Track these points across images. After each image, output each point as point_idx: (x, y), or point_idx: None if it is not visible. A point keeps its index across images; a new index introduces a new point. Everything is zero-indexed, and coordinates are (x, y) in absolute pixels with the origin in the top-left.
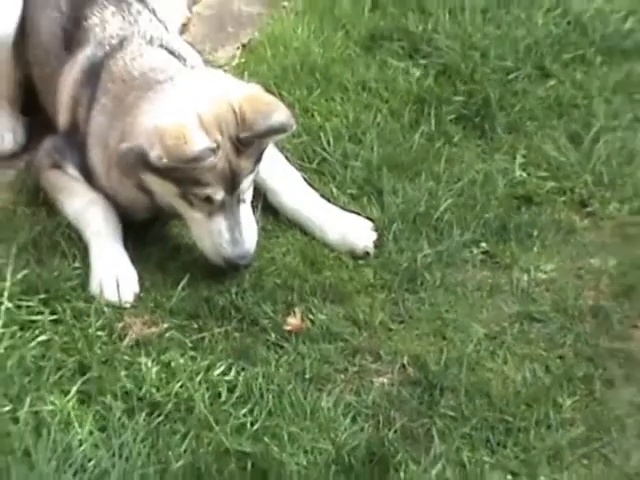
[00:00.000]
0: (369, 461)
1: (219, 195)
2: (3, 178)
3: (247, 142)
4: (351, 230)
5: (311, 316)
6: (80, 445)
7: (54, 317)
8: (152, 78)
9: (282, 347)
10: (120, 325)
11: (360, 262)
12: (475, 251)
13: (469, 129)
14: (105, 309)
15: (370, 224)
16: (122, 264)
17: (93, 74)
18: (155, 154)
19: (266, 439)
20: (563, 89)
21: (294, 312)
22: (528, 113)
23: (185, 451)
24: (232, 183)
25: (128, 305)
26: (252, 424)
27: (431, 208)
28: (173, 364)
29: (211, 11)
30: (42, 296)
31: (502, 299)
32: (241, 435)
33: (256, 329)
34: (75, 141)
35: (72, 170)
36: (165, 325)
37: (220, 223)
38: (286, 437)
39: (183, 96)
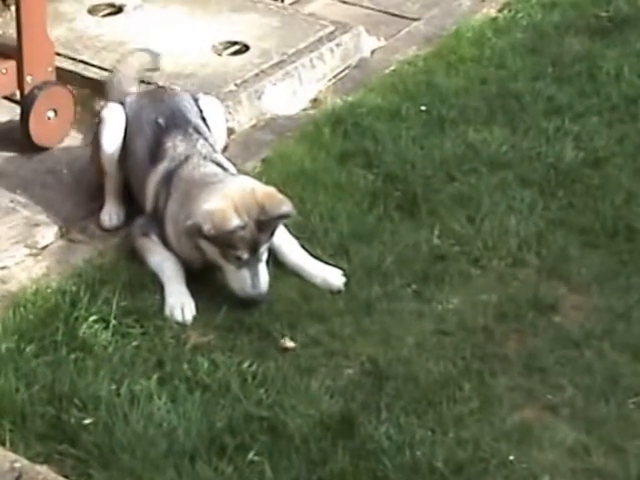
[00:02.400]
0: (341, 422)
1: (245, 256)
2: (112, 242)
3: (264, 223)
4: (329, 275)
5: (305, 331)
6: (159, 411)
7: (142, 330)
8: (207, 180)
9: (286, 350)
10: (184, 336)
11: (335, 296)
12: (408, 290)
13: (404, 213)
14: (174, 325)
15: (340, 272)
16: (185, 297)
17: (169, 178)
18: (207, 227)
19: (276, 408)
20: (463, 188)
21: (287, 339)
22: (441, 203)
23: (224, 416)
24: (254, 248)
25: (189, 323)
26: (267, 398)
27: (380, 262)
28: (217, 360)
29: (241, 138)
30: (135, 317)
31: (425, 321)
32: (260, 406)
33: (270, 338)
34: (156, 219)
35: (154, 237)
36: (212, 336)
37: (245, 273)
38: (288, 407)
39: (226, 191)
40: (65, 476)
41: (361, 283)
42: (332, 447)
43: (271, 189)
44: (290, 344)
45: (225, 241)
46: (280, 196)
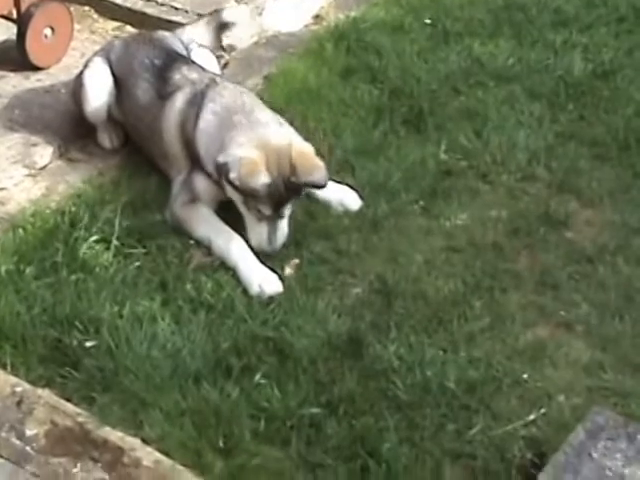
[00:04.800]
0: (349, 342)
1: (267, 211)
2: (112, 160)
3: (293, 184)
4: (345, 196)
5: (310, 249)
6: (162, 332)
7: (145, 250)
8: (247, 110)
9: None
10: (187, 255)
11: (341, 214)
12: (416, 206)
13: (410, 128)
14: (177, 245)
15: (356, 194)
16: (264, 269)
17: (195, 101)
18: (233, 175)
19: (282, 328)
20: (469, 102)
21: (289, 265)
22: (448, 118)
23: (230, 336)
24: (277, 205)
25: (280, 291)
26: (273, 319)
27: (387, 179)
28: (222, 280)
29: (243, 56)
30: (137, 237)
31: (433, 237)
32: (266, 326)
33: (277, 259)
34: (187, 168)
35: (201, 206)
36: (215, 255)
37: (264, 228)
38: (295, 327)
39: (262, 140)
40: (67, 399)
41: (368, 200)
42: (340, 368)
43: (308, 150)
44: (289, 269)
45: (249, 193)
46: (315, 161)
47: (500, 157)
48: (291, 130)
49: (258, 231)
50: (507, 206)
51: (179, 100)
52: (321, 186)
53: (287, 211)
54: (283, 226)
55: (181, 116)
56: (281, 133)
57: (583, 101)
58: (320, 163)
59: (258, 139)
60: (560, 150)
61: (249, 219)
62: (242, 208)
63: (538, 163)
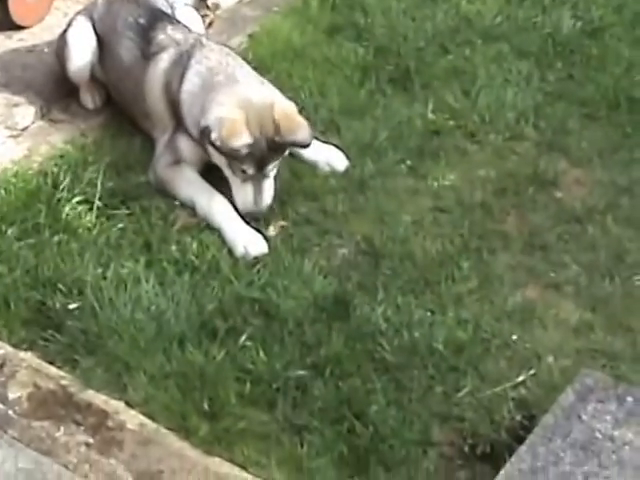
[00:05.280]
0: (335, 304)
1: (251, 171)
2: (95, 121)
3: (276, 144)
4: (331, 156)
5: (296, 209)
6: (146, 294)
7: (128, 212)
8: (229, 72)
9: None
10: (172, 216)
11: (327, 173)
12: (403, 166)
13: (397, 87)
14: (161, 206)
15: (342, 154)
16: (250, 231)
17: (181, 61)
18: (214, 136)
19: (268, 290)
20: (457, 61)
21: (275, 226)
22: (435, 76)
23: (215, 298)
24: (261, 165)
25: (266, 252)
26: (259, 280)
27: (373, 138)
28: (207, 241)
29: (227, 14)
30: (120, 198)
31: (421, 198)
32: (251, 287)
33: (262, 220)
34: (171, 129)
35: (185, 167)
36: None
37: (249, 188)
38: (281, 288)
39: (243, 100)
40: (50, 362)
41: (354, 160)
42: (327, 330)
43: (291, 109)
44: (272, 230)
45: (231, 154)
46: (299, 119)
47: (488, 116)
48: (274, 89)
49: (243, 192)
50: (495, 166)
51: (164, 60)
52: (305, 145)
53: (272, 171)
54: (269, 186)
55: (165, 77)
56: (263, 92)
57: (572, 59)
58: (304, 121)
59: (239, 98)
60: (549, 109)
61: (234, 180)
62: (226, 170)
63: (527, 122)
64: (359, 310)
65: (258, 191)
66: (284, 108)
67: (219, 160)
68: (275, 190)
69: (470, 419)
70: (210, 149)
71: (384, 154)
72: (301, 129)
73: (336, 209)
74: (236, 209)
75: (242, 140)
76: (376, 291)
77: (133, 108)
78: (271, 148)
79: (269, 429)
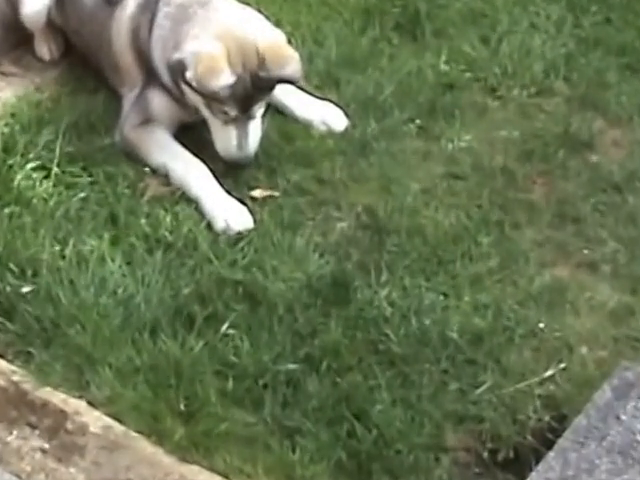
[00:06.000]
0: (333, 286)
1: (233, 112)
2: (52, 74)
3: (262, 80)
4: (328, 114)
5: (287, 176)
6: (112, 275)
7: (91, 179)
8: (202, 1)
9: (265, 200)
10: (141, 185)
11: (323, 134)
12: (411, 126)
13: (405, 34)
14: (129, 173)
15: (341, 112)
16: (232, 201)
17: (149, 5)
18: (189, 75)
19: (254, 270)
20: (475, 3)
21: (261, 196)
22: (449, 21)
23: (191, 280)
24: (245, 105)
25: (251, 227)
26: (243, 259)
27: (377, 94)
28: (182, 214)
29: None
30: (82, 164)
31: (432, 162)
32: (234, 267)
33: (245, 188)
34: (141, 83)
35: (157, 128)
36: (175, 185)
37: (232, 131)
38: (269, 269)
39: (222, 30)
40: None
41: (354, 119)
42: (323, 317)
43: (279, 39)
44: (259, 193)
45: (210, 95)
46: (288, 51)
47: (511, 68)
48: (258, 15)
49: (225, 136)
50: (519, 125)
51: (130, 4)
52: (295, 80)
53: (258, 111)
54: (255, 128)
55: (133, 23)
56: (245, 19)
57: (609, 1)
58: (293, 53)
59: (217, 29)
60: (582, 59)
61: (214, 123)
62: (204, 111)
63: (556, 75)
64: (360, 293)
65: (243, 134)
66: (270, 38)
67: (196, 100)
68: (262, 133)
69: (490, 420)
70: (184, 87)
71: (389, 112)
72: (290, 62)
73: (333, 176)
74: (216, 177)
75: (222, 79)
76: (380, 271)
77: (97, 59)
78: (256, 86)
79: (255, 432)
